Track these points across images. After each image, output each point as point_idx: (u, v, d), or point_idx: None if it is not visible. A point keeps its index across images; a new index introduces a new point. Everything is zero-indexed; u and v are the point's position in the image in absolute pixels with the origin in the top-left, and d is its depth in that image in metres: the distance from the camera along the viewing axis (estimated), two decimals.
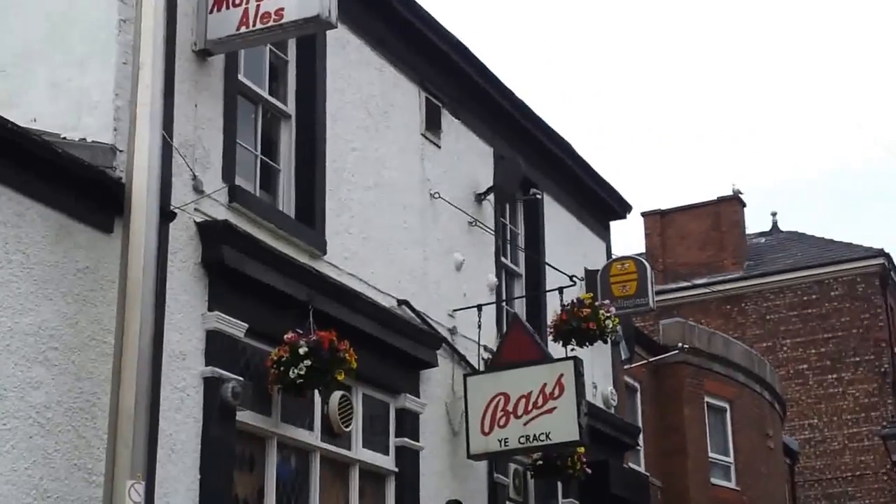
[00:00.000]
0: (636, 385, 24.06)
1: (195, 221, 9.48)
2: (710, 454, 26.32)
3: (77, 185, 8.41)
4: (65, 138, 8.84)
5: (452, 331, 13.01)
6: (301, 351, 9.46)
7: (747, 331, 38.10)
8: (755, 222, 61.25)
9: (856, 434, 36.69)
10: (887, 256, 37.52)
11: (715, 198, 39.99)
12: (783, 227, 43.87)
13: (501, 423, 12.56)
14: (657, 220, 40.60)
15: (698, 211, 40.27)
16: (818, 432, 37.19)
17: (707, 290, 37.98)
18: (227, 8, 9.77)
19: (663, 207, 40.46)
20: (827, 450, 36.97)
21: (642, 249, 40.90)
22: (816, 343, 37.43)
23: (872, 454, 35.87)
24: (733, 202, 39.91)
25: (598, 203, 17.37)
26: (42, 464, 7.78)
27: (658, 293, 22.64)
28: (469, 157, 14.05)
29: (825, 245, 39.78)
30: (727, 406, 27.09)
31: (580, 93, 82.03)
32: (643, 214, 40.68)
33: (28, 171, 8.03)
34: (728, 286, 38.84)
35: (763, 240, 42.43)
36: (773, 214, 54.79)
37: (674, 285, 38.06)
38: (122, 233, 8.36)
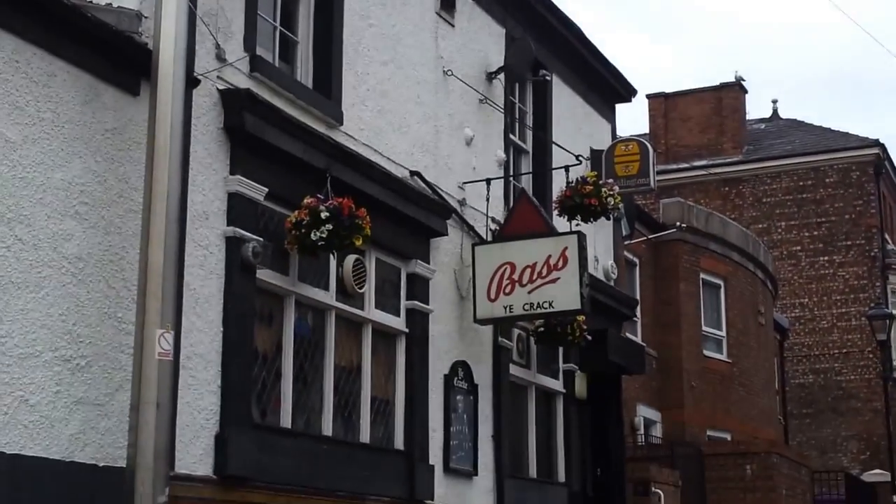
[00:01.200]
0: (635, 260, 24.26)
1: (218, 89, 9.53)
2: (704, 328, 26.64)
3: (105, 48, 8.43)
4: (91, 2, 8.80)
5: (462, 202, 13.11)
6: (322, 215, 9.56)
7: (744, 212, 38.20)
8: (756, 109, 61.05)
9: (844, 314, 37.01)
10: (882, 146, 37.47)
11: (718, 83, 39.79)
12: (783, 114, 43.70)
13: (507, 290, 12.73)
14: (661, 103, 40.48)
15: (701, 95, 40.14)
16: (808, 311, 37.51)
17: (706, 173, 38.02)
18: None
19: (668, 91, 40.29)
20: (816, 328, 37.31)
21: (646, 130, 40.84)
22: (810, 227, 37.54)
23: (859, 333, 36.21)
24: (735, 88, 39.72)
25: (605, 86, 17.33)
26: (75, 311, 7.95)
27: (659, 173, 22.69)
28: (481, 37, 14.01)
29: (822, 133, 39.69)
30: (721, 283, 27.32)
31: None
32: (648, 97, 40.54)
33: (58, 33, 8.05)
34: (727, 169, 38.91)
35: (763, 126, 42.31)
36: (774, 102, 54.60)
37: (675, 166, 38.10)
38: (150, 97, 8.38)
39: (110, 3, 8.87)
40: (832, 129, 40.08)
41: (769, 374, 30.31)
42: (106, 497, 7.95)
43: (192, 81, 8.95)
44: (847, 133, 39.14)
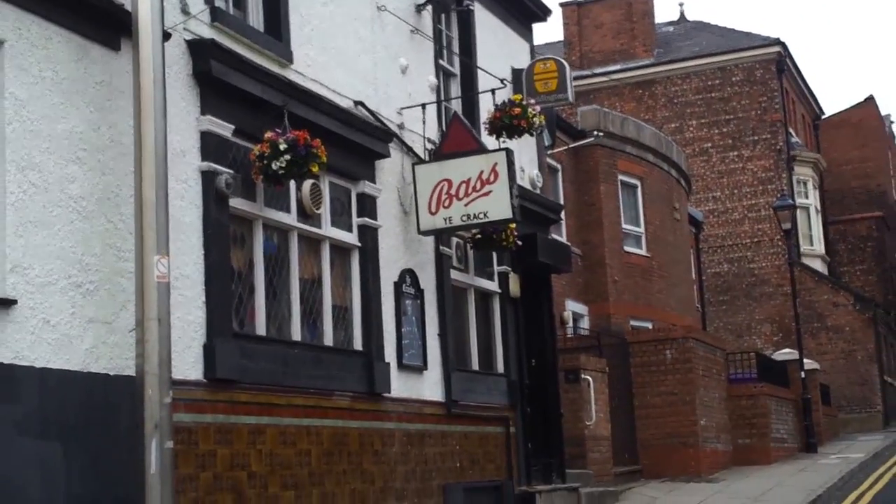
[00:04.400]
0: (558, 166, 25.51)
1: (185, 40, 10.58)
2: (624, 226, 28.05)
3: (91, 11, 9.43)
4: None
5: (401, 126, 14.28)
6: (282, 147, 10.70)
7: (657, 113, 39.58)
8: (664, 12, 62.26)
9: (754, 205, 38.73)
10: (783, 45, 38.90)
11: None
12: (689, 16, 44.92)
13: (446, 204, 13.97)
14: (574, 11, 41.47)
15: (612, 2, 41.15)
16: (721, 204, 39.19)
17: (620, 77, 39.25)
18: None
19: None
20: (728, 219, 39.05)
21: (561, 38, 41.91)
22: (719, 124, 39.08)
23: (768, 223, 37.95)
24: None
25: (522, 8, 18.47)
26: (82, 243, 9.08)
27: (576, 79, 23.99)
28: None
29: (727, 34, 41.06)
30: (638, 183, 28.71)
31: None
32: (561, 5, 41.50)
33: (51, 2, 9.05)
34: (639, 73, 40.14)
35: (671, 28, 43.51)
36: (681, 4, 55.72)
37: (589, 71, 39.20)
38: (133, 51, 9.42)
39: None
40: (736, 29, 41.45)
41: (686, 266, 31.89)
42: (118, 401, 9.17)
43: (164, 36, 9.97)
44: (750, 33, 40.57)
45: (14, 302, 8.32)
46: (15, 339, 8.33)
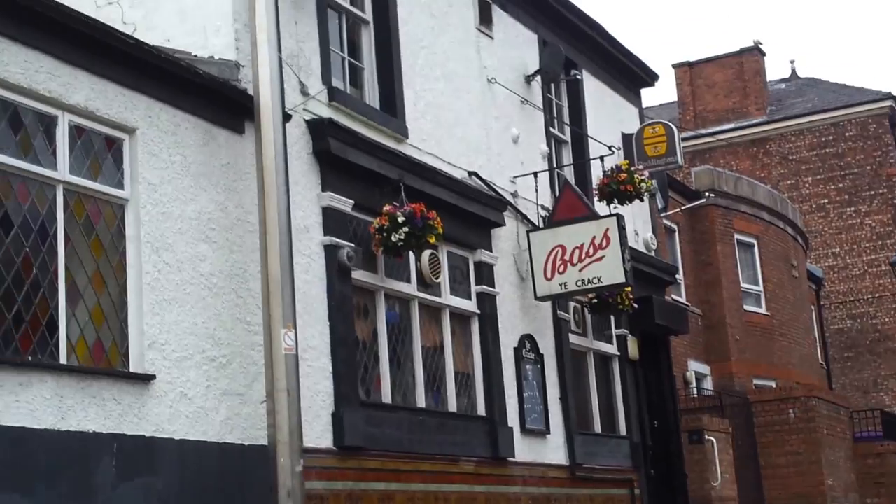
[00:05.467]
0: (674, 227, 25.55)
1: (305, 120, 10.98)
2: (742, 285, 27.87)
3: (215, 97, 9.90)
4: (195, 56, 10.30)
5: (514, 195, 14.53)
6: (400, 220, 11.01)
7: (772, 170, 39.28)
8: (776, 70, 61.90)
9: (874, 261, 38.08)
10: (895, 98, 38.43)
11: (737, 49, 40.78)
12: (801, 73, 44.62)
13: (560, 269, 14.14)
14: (686, 71, 41.46)
15: (723, 61, 41.07)
16: (840, 260, 38.61)
17: (734, 135, 39.09)
18: None
19: (692, 59, 41.29)
20: (849, 275, 38.43)
21: (674, 98, 41.95)
22: (835, 179, 38.61)
23: (889, 278, 37.26)
24: (754, 52, 40.68)
25: (630, 74, 18.70)
26: (214, 318, 9.45)
27: (690, 139, 24.00)
28: (517, 45, 15.40)
29: (839, 90, 40.68)
30: (755, 242, 28.55)
31: None
32: (674, 66, 41.54)
33: (179, 90, 9.53)
34: (753, 130, 39.94)
35: (783, 86, 43.23)
36: (792, 62, 55.36)
37: (704, 130, 39.13)
38: (255, 134, 9.84)
39: (212, 57, 10.36)
40: (847, 84, 41.08)
41: (807, 323, 31.49)
42: (252, 470, 9.46)
43: (285, 117, 10.39)
44: (861, 88, 40.15)
45: (153, 377, 8.70)
46: (155, 413, 8.69)
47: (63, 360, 8.17)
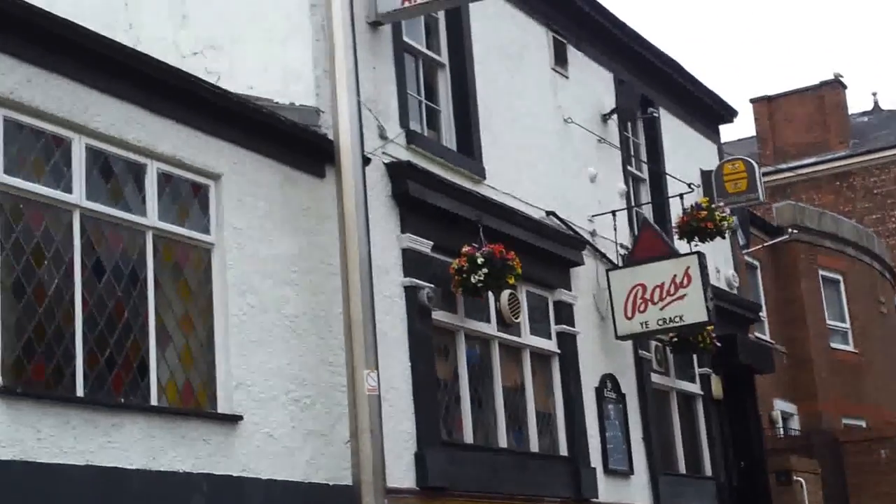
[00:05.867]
0: (756, 264, 25.49)
1: (384, 163, 11.31)
2: (828, 321, 27.67)
3: (296, 143, 10.27)
4: (277, 103, 10.69)
5: (593, 234, 14.74)
6: (479, 261, 11.28)
7: (857, 204, 38.94)
8: (857, 102, 61.55)
9: None
10: None
11: (818, 82, 40.60)
12: (883, 105, 44.31)
13: (641, 308, 14.30)
14: (765, 106, 41.28)
15: (802, 95, 40.82)
16: None
17: (816, 170, 38.83)
18: None
19: (770, 93, 41.15)
20: None
21: (752, 133, 41.82)
22: None
23: None
24: (835, 85, 40.45)
25: (708, 111, 18.89)
26: (298, 360, 9.76)
27: (771, 173, 23.94)
28: (593, 84, 15.66)
29: None
30: (840, 278, 28.37)
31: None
32: (752, 101, 41.40)
33: (262, 136, 9.90)
34: (836, 164, 39.64)
35: (866, 118, 42.93)
36: (874, 94, 54.97)
37: (785, 165, 38.90)
38: (336, 178, 10.18)
39: (293, 103, 10.74)
40: None
41: None
42: None
43: (365, 160, 10.72)
44: None
45: (240, 418, 9.02)
46: (242, 453, 9.00)
47: (154, 401, 8.52)
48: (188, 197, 9.25)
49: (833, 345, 27.60)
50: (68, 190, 8.21)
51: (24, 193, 7.91)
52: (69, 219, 8.19)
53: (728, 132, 55.08)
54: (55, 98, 8.14)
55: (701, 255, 14.26)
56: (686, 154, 17.83)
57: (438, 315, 11.58)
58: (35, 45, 7.98)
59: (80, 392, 7.95)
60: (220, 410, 9.00)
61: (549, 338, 13.45)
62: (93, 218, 8.39)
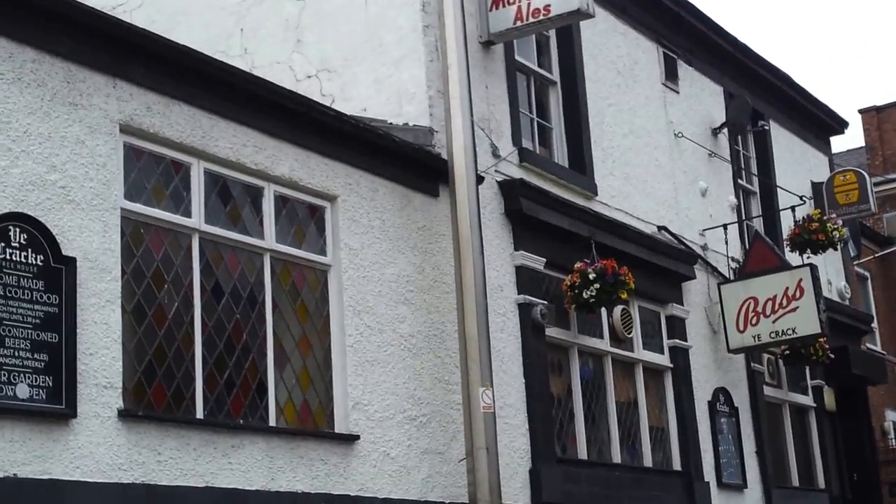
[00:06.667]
0: (866, 274, 24.72)
1: (496, 181, 10.99)
2: None
3: (411, 163, 9.99)
4: (391, 124, 10.43)
5: (704, 248, 14.25)
6: (591, 277, 10.90)
7: None
8: None
9: None
10: None
11: None
12: None
13: (753, 321, 13.78)
14: (873, 116, 40.22)
15: None
16: None
17: None
18: (504, 6, 11.18)
19: (878, 104, 40.09)
20: None
21: (861, 144, 40.73)
22: None
23: None
24: None
25: (818, 123, 18.23)
26: (414, 378, 9.48)
27: (881, 184, 23.12)
28: (703, 98, 15.17)
29: None
30: None
31: (790, 8, 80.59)
32: (860, 111, 40.36)
33: (376, 157, 9.64)
34: None
35: None
36: None
37: (894, 175, 37.80)
38: (451, 197, 9.88)
39: (407, 123, 10.47)
40: None
41: None
42: None
43: (478, 179, 10.41)
44: None
45: (357, 437, 8.76)
46: (359, 472, 8.74)
47: (272, 422, 8.29)
48: (305, 219, 9.02)
49: None
50: (188, 214, 8.03)
51: (145, 218, 7.74)
52: (188, 242, 8.01)
53: (837, 143, 53.80)
54: (175, 124, 7.96)
55: (813, 267, 13.71)
56: (797, 166, 17.23)
57: (552, 331, 11.22)
58: (154, 72, 7.81)
59: (199, 414, 7.75)
60: (337, 430, 8.75)
61: (662, 352, 13.00)
62: (212, 241, 8.20)
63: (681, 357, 13.14)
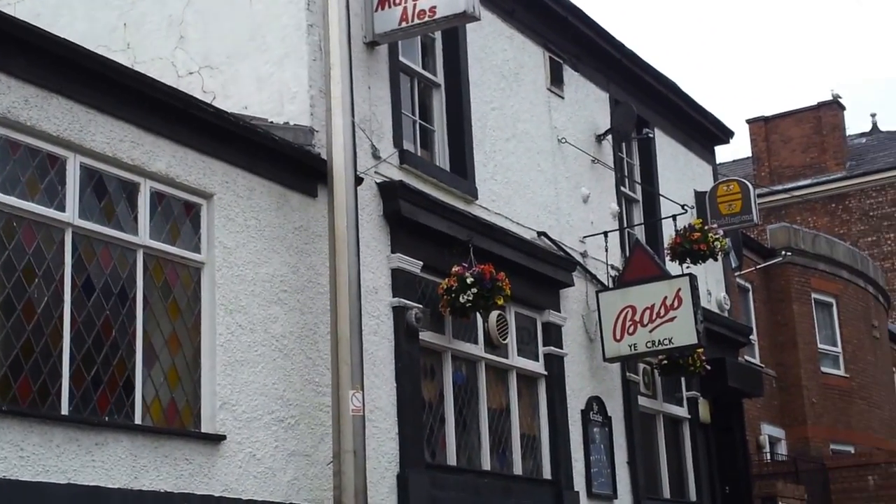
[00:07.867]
0: (748, 286, 25.62)
1: (376, 183, 11.46)
2: (819, 345, 27.78)
3: (289, 162, 10.42)
4: (272, 122, 10.84)
5: (584, 255, 14.91)
6: (468, 281, 11.44)
7: (852, 227, 39.07)
8: (855, 124, 61.75)
9: None
10: None
11: (815, 103, 40.74)
12: (882, 126, 44.48)
13: (630, 330, 14.45)
14: (761, 127, 41.42)
15: (800, 116, 40.95)
16: None
17: (811, 191, 38.96)
18: (389, 7, 11.67)
19: (767, 114, 41.29)
20: None
21: (748, 154, 41.95)
22: None
23: None
24: (833, 106, 40.57)
25: (704, 132, 19.07)
26: (283, 379, 9.91)
27: (766, 195, 23.99)
28: (588, 104, 15.83)
29: None
30: (833, 301, 28.47)
31: (679, 18, 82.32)
32: (748, 121, 41.53)
33: (255, 155, 10.06)
34: (832, 186, 39.76)
35: (864, 140, 43.04)
36: (873, 115, 55.17)
37: (780, 187, 39.01)
38: (328, 198, 10.33)
39: (287, 122, 10.89)
40: None
41: (890, 386, 31.23)
42: None
43: (357, 180, 10.85)
44: None
45: (223, 437, 9.17)
46: (224, 473, 9.15)
47: (138, 420, 8.66)
48: (180, 216, 9.40)
49: (824, 369, 27.72)
50: (61, 208, 8.37)
51: (18, 211, 8.07)
52: (61, 237, 8.35)
53: (724, 153, 55.33)
54: (52, 117, 8.30)
55: (692, 277, 14.42)
56: (680, 175, 18.02)
57: (426, 336, 11.73)
58: (33, 64, 8.14)
59: (64, 410, 8.09)
60: (203, 430, 9.14)
61: (537, 359, 13.61)
62: (85, 236, 8.54)
63: (555, 364, 13.76)
